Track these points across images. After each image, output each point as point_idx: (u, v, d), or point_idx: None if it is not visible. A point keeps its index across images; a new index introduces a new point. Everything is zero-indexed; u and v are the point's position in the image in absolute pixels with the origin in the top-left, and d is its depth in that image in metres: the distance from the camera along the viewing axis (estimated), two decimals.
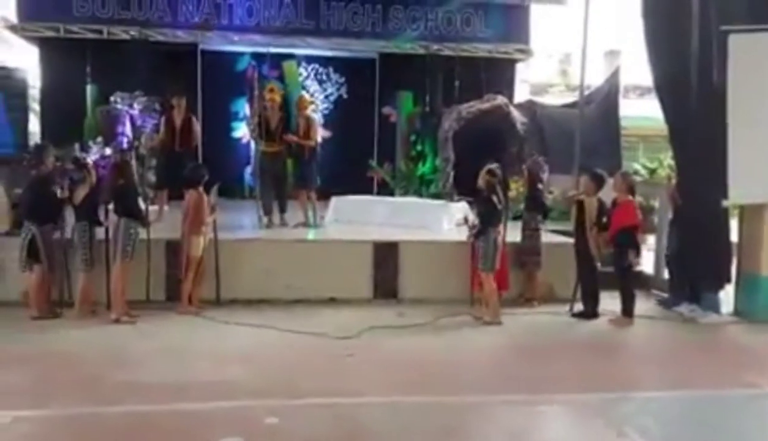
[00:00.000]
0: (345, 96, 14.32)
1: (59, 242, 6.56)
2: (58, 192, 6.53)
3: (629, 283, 7.00)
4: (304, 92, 13.19)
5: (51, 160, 6.65)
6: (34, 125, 13.53)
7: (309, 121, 8.91)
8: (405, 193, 12.16)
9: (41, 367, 5.17)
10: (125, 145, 10.61)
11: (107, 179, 7.15)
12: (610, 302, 7.08)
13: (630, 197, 6.97)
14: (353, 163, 13.18)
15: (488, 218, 6.72)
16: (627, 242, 6.86)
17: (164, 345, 5.80)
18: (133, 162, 7.34)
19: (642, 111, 16.71)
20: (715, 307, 7.38)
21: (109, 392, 4.71)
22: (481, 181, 6.86)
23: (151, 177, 9.80)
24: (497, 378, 5.33)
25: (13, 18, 12.61)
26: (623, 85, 13.21)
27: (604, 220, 6.99)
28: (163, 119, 9.28)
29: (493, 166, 6.93)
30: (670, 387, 5.31)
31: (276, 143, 8.70)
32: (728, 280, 7.52)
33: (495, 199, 6.73)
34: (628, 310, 6.91)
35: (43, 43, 12.98)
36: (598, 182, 7.11)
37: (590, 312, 7.04)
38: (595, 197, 7.09)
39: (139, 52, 12.53)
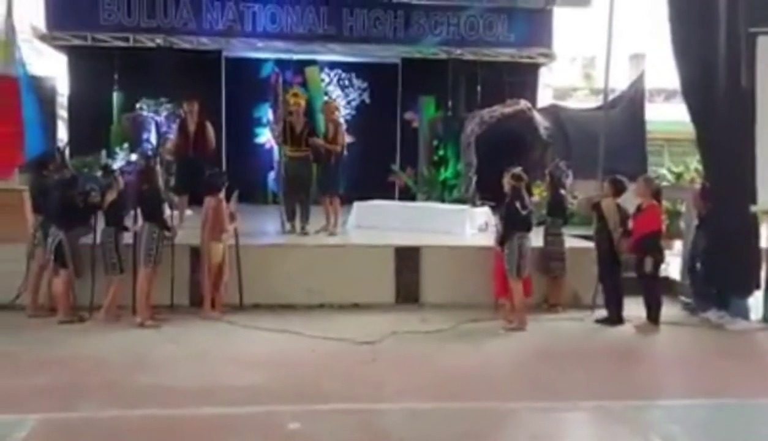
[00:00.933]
0: (367, 101, 14.36)
1: (89, 247, 6.63)
2: (91, 196, 6.61)
3: (654, 288, 6.89)
4: (332, 97, 13.29)
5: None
6: (62, 132, 13.79)
7: (337, 127, 8.82)
8: (427, 198, 12.16)
9: (68, 370, 5.23)
10: (150, 151, 10.73)
11: (133, 185, 7.23)
12: (636, 308, 6.98)
13: (654, 202, 6.87)
14: (375, 168, 13.22)
15: (512, 223, 6.67)
16: (650, 248, 6.75)
17: (188, 349, 5.84)
18: (159, 168, 7.38)
19: (668, 115, 16.51)
20: (743, 314, 7.24)
21: (133, 396, 4.75)
22: (506, 186, 6.81)
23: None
24: (520, 384, 5.28)
25: (43, 27, 12.86)
26: (648, 88, 13.07)
27: (620, 228, 6.89)
28: (176, 125, 9.28)
29: (518, 170, 6.88)
30: (697, 395, 5.21)
31: (301, 148, 8.56)
32: (757, 286, 7.38)
33: (518, 204, 6.68)
34: (653, 316, 6.80)
35: (71, 52, 13.24)
36: (618, 188, 7.03)
37: (614, 318, 6.95)
38: (611, 199, 6.99)
39: (164, 59, 12.71)
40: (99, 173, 7.52)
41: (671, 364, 6.17)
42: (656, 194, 6.94)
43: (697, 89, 7.56)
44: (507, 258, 6.65)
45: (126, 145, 11.69)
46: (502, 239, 6.69)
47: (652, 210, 6.83)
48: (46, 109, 11.69)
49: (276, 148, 9.38)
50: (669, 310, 7.28)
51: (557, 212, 7.57)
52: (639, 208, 6.93)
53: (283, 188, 8.97)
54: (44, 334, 6.15)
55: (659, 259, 6.88)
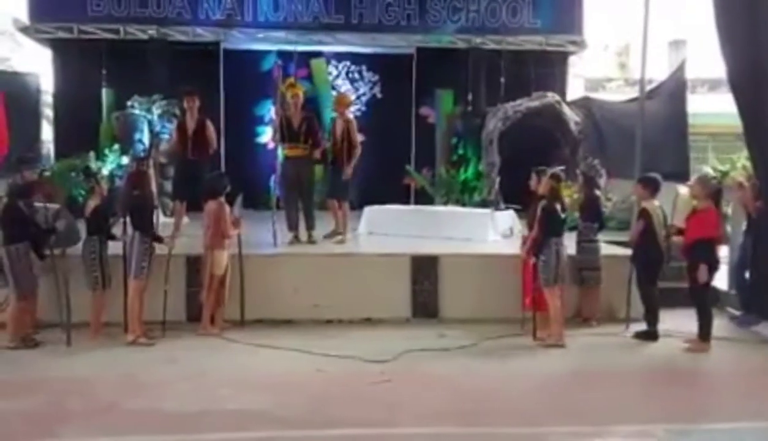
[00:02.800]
0: (379, 96, 14.38)
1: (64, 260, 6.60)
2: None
3: (706, 301, 6.79)
4: (340, 92, 13.32)
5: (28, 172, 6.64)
6: (47, 133, 13.92)
7: (349, 124, 8.71)
8: (446, 202, 12.14)
9: (52, 393, 5.26)
10: (142, 153, 10.77)
11: (122, 190, 7.24)
12: (682, 322, 6.94)
13: (710, 204, 6.78)
14: (388, 169, 13.22)
15: (551, 228, 6.67)
16: (703, 256, 6.68)
17: (184, 369, 5.87)
18: (151, 171, 7.40)
19: (712, 107, 16.40)
20: None
21: (122, 421, 4.77)
22: (543, 188, 6.81)
23: (170, 187, 9.90)
24: (551, 407, 5.24)
25: (25, 19, 12.99)
26: (690, 78, 12.98)
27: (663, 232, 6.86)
28: (174, 124, 9.21)
29: (558, 169, 6.91)
30: (745, 418, 5.14)
31: (300, 146, 8.39)
32: None
33: (559, 206, 6.72)
34: (704, 333, 6.70)
35: (56, 45, 13.37)
36: (652, 187, 7.00)
37: (653, 332, 6.91)
38: (653, 201, 6.97)
39: (157, 52, 12.81)
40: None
41: (717, 384, 6.12)
42: (714, 195, 6.83)
43: (746, 78, 7.51)
44: (543, 267, 6.64)
45: (116, 147, 11.77)
46: (539, 246, 6.67)
47: (706, 213, 6.73)
48: (28, 108, 11.86)
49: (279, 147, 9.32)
50: (715, 322, 7.19)
51: (592, 216, 7.53)
52: (694, 211, 6.86)
53: (283, 193, 8.80)
54: (24, 355, 6.19)
55: (711, 269, 6.77)
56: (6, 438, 4.43)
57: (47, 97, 14.02)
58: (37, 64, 14.54)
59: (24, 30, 13.22)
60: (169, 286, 6.71)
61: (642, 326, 7.05)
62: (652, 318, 6.95)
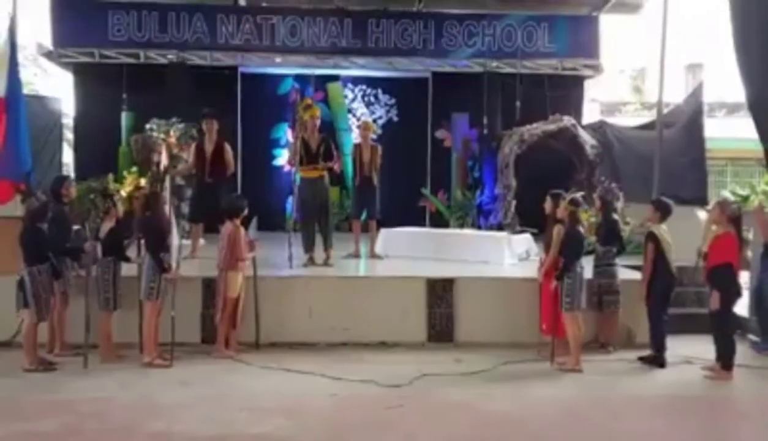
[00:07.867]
0: (395, 119, 14.43)
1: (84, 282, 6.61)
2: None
3: (726, 329, 6.66)
4: (356, 115, 13.49)
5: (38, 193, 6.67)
6: (68, 156, 14.06)
7: (375, 151, 9.17)
8: (461, 225, 12.11)
9: (71, 415, 5.25)
10: (156, 175, 10.81)
11: (137, 211, 7.26)
12: (702, 348, 6.86)
13: (730, 230, 6.67)
14: (404, 191, 13.22)
15: (575, 252, 6.64)
16: (719, 282, 6.57)
17: (200, 392, 5.84)
18: (166, 193, 7.41)
19: (730, 131, 16.31)
20: None
21: None
22: (562, 212, 6.77)
23: (187, 209, 9.91)
24: (570, 435, 5.16)
25: (49, 44, 13.20)
26: (708, 102, 12.92)
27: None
28: (192, 147, 9.30)
29: (576, 195, 6.89)
30: None
31: (318, 168, 8.49)
32: None
33: (580, 230, 6.70)
34: (725, 362, 6.56)
35: (78, 69, 13.56)
36: (663, 212, 6.95)
37: (655, 357, 6.84)
38: (662, 226, 6.90)
39: (176, 76, 12.93)
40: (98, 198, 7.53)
41: (739, 412, 6.00)
42: (735, 220, 6.71)
43: (766, 101, 7.44)
44: (567, 290, 6.58)
45: (135, 169, 11.85)
46: (564, 270, 6.62)
47: (725, 239, 6.62)
48: (50, 131, 11.98)
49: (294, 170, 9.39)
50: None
51: (610, 240, 7.45)
52: (715, 236, 6.77)
53: (301, 215, 8.86)
54: (46, 375, 6.22)
55: (732, 295, 6.66)
56: None
57: (68, 121, 14.18)
58: (60, 88, 14.71)
59: (47, 55, 13.42)
60: (175, 312, 6.58)
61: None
62: (659, 345, 6.85)
